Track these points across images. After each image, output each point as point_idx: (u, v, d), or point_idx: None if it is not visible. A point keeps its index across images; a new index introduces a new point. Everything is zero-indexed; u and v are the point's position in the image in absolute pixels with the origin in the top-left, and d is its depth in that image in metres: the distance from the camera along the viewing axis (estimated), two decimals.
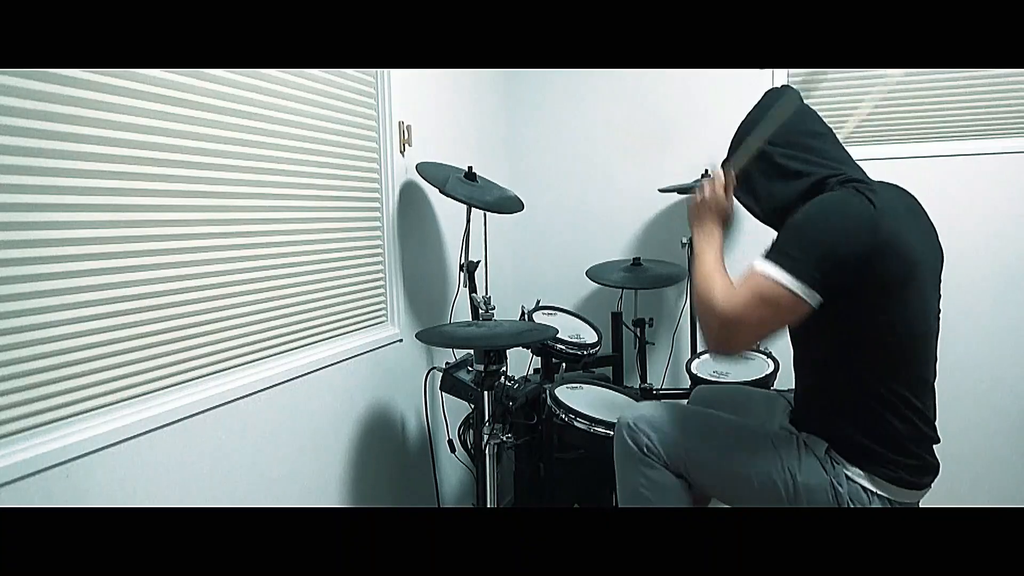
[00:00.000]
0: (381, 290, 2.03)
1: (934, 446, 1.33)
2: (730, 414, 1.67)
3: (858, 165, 1.37)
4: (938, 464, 1.33)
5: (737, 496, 1.41)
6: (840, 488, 1.28)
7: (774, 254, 1.22)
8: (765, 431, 1.44)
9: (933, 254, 1.33)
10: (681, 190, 2.34)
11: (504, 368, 1.69)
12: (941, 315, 1.35)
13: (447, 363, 1.93)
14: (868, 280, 1.20)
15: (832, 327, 1.25)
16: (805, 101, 1.39)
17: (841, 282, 1.18)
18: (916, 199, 1.35)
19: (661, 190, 2.41)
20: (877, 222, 1.20)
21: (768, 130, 1.36)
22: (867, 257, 1.18)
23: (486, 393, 1.63)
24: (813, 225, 1.22)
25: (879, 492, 1.27)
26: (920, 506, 1.35)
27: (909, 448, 1.27)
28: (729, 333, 1.24)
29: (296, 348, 1.68)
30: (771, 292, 1.19)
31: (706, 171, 1.64)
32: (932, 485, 1.34)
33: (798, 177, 1.32)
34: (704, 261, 1.38)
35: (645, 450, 1.42)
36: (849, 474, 1.28)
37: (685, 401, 1.79)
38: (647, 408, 1.50)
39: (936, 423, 1.34)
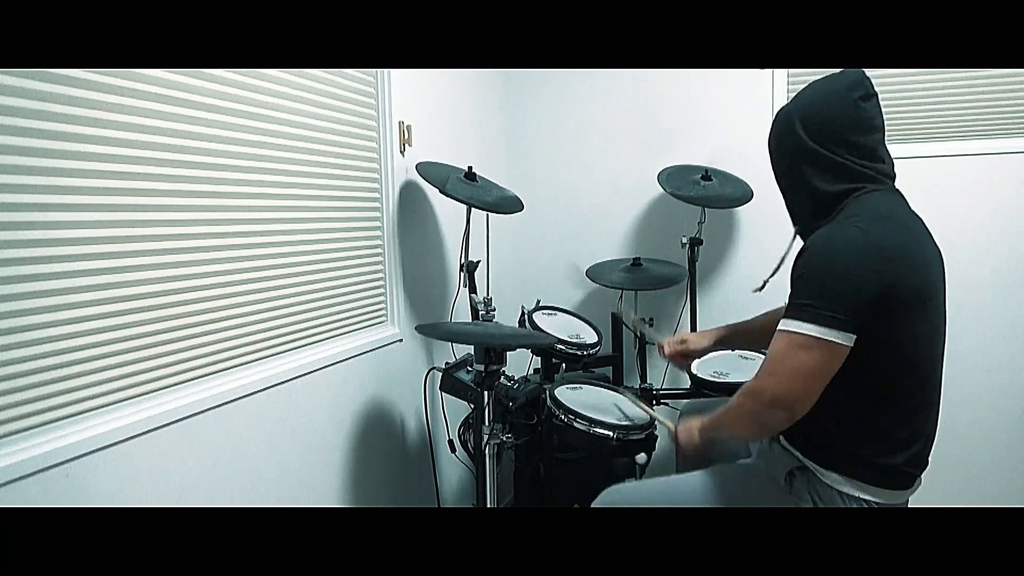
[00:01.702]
0: (381, 290, 2.03)
1: (927, 455, 1.32)
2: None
3: (891, 165, 1.36)
4: (925, 463, 1.32)
5: None
6: (804, 506, 1.28)
7: (790, 311, 1.22)
8: (728, 477, 1.43)
9: (940, 275, 1.32)
10: (680, 196, 2.33)
11: (504, 368, 1.68)
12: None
13: (447, 363, 1.93)
14: (885, 307, 1.19)
15: None
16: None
17: (864, 315, 1.18)
18: (920, 219, 1.34)
19: (661, 179, 2.39)
20: (884, 254, 1.19)
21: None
22: (882, 289, 1.18)
23: (486, 393, 1.63)
24: (820, 273, 1.21)
25: (858, 495, 1.26)
26: (915, 506, 1.34)
27: (901, 457, 1.26)
28: (779, 390, 1.21)
29: (296, 348, 1.68)
30: (801, 342, 1.19)
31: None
32: (926, 480, 1.33)
33: (838, 179, 1.31)
34: (717, 415, 1.38)
35: None
36: (826, 481, 1.27)
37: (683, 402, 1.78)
38: (611, 494, 1.49)
39: (935, 430, 1.33)
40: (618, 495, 1.49)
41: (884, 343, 1.21)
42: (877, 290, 1.18)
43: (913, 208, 1.36)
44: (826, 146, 1.30)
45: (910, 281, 1.22)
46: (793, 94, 1.47)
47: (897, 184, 1.38)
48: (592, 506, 1.50)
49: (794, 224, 1.43)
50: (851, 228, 1.23)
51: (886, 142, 1.37)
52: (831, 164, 1.30)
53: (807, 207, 1.35)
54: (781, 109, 1.41)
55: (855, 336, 1.18)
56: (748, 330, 1.72)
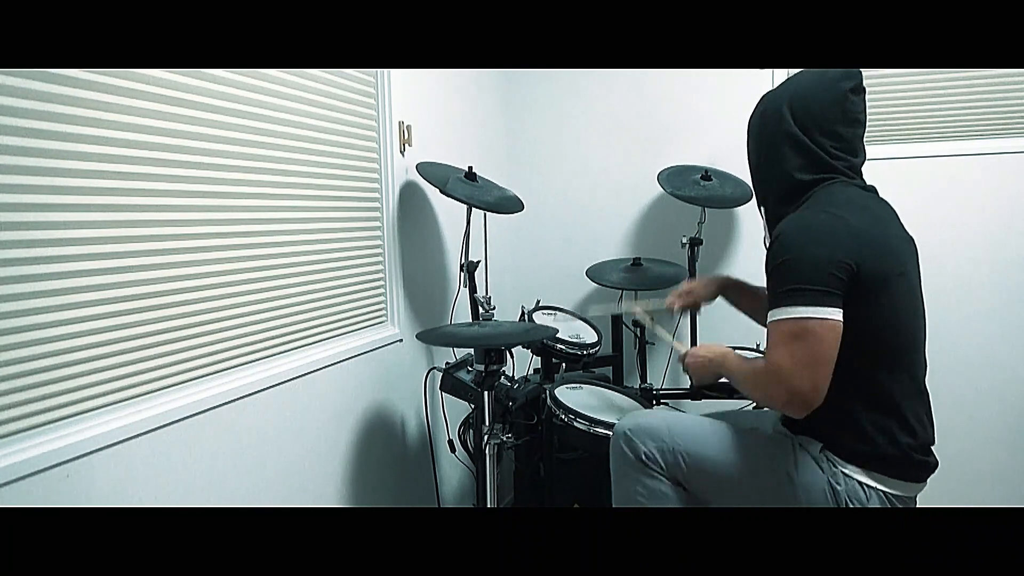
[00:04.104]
0: (381, 290, 2.03)
1: (931, 443, 1.34)
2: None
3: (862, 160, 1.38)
4: (935, 457, 1.33)
5: (735, 501, 1.41)
6: (838, 486, 1.28)
7: (776, 300, 1.24)
8: (760, 434, 1.44)
9: (912, 259, 1.35)
10: (680, 196, 2.33)
11: (504, 368, 1.68)
12: (936, 315, 1.35)
13: (447, 363, 1.93)
14: (859, 287, 1.22)
15: None
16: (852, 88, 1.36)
17: (847, 287, 1.20)
18: (889, 207, 1.36)
19: (661, 179, 2.40)
20: (856, 234, 1.23)
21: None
22: (856, 266, 1.21)
23: (486, 393, 1.63)
24: (797, 256, 1.23)
25: (877, 487, 1.27)
26: (918, 506, 1.35)
27: (903, 443, 1.28)
28: (793, 385, 1.21)
29: (296, 348, 1.68)
30: (796, 328, 1.20)
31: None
32: (929, 480, 1.34)
33: (811, 166, 1.33)
34: (733, 372, 1.40)
35: (644, 458, 1.42)
36: (846, 471, 1.29)
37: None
38: (643, 416, 1.51)
39: (932, 418, 1.35)
40: (646, 418, 1.49)
41: (864, 326, 1.23)
42: (852, 267, 1.21)
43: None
44: (808, 132, 1.33)
45: (880, 261, 1.24)
46: None
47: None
48: (616, 427, 1.50)
49: (760, 204, 1.46)
50: (820, 213, 1.26)
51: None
52: (808, 151, 1.33)
53: (778, 189, 1.38)
54: (768, 92, 1.44)
55: (842, 311, 1.20)
56: (745, 290, 1.75)
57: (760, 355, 2.09)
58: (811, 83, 1.37)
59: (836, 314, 1.19)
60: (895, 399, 1.28)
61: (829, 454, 1.31)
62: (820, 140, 1.33)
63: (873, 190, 1.39)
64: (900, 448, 1.27)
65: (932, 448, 1.34)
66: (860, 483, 1.28)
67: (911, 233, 1.38)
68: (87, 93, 1.14)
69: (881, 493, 1.27)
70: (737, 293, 1.79)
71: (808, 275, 1.20)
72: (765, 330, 1.28)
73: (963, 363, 2.35)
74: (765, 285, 1.74)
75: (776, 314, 1.23)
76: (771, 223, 1.39)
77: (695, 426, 1.48)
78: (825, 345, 1.20)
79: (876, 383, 1.27)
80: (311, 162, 1.69)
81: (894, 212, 1.37)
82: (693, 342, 2.40)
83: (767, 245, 1.36)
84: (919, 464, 1.30)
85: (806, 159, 1.33)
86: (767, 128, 1.39)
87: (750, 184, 2.34)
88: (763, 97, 1.45)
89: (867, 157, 1.41)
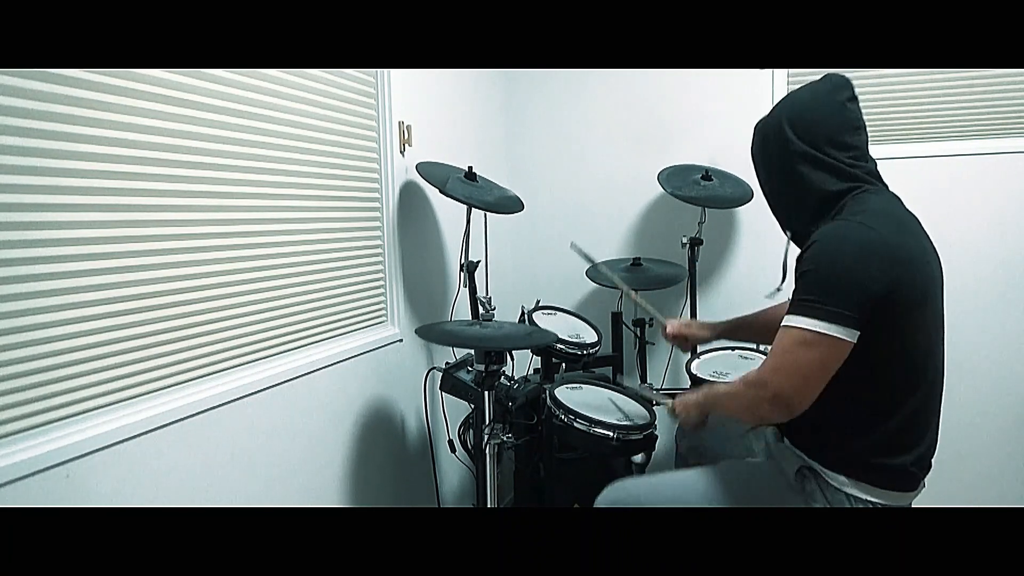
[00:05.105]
0: (381, 290, 2.03)
1: (932, 456, 1.33)
2: (714, 438, 1.66)
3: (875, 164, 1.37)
4: (930, 466, 1.33)
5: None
6: (815, 506, 1.28)
7: (794, 307, 1.22)
8: (735, 472, 1.43)
9: (939, 273, 1.32)
10: (680, 196, 2.33)
11: (504, 368, 1.68)
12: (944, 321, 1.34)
13: (447, 363, 1.93)
14: (889, 308, 1.19)
15: None
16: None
17: (868, 312, 1.18)
18: (916, 218, 1.35)
19: (661, 179, 2.40)
20: (890, 252, 1.20)
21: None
22: (887, 288, 1.18)
23: (486, 393, 1.63)
24: (825, 270, 1.21)
25: (867, 498, 1.26)
26: (917, 507, 1.34)
27: (905, 457, 1.26)
28: (780, 387, 1.20)
29: (296, 348, 1.68)
30: (804, 338, 1.19)
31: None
32: (928, 480, 1.33)
33: (836, 178, 1.31)
34: (720, 395, 1.40)
35: None
36: (833, 484, 1.27)
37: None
38: (616, 490, 1.49)
39: (938, 432, 1.34)
40: (623, 492, 1.49)
41: (887, 342, 1.21)
42: (883, 288, 1.18)
43: (910, 207, 1.36)
44: (818, 146, 1.31)
45: (913, 280, 1.22)
46: None
47: (896, 184, 1.38)
48: (596, 504, 1.49)
49: (785, 228, 1.43)
50: (856, 225, 1.23)
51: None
52: (826, 164, 1.31)
53: (807, 208, 1.34)
54: (762, 119, 1.42)
55: (859, 333, 1.18)
56: (750, 324, 1.75)
57: (760, 355, 2.10)
58: (807, 99, 1.35)
59: (848, 336, 1.17)
60: (908, 415, 1.26)
61: (813, 465, 1.30)
62: (832, 152, 1.30)
63: (898, 199, 1.36)
64: (901, 461, 1.26)
65: (931, 460, 1.33)
66: (848, 495, 1.26)
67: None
68: (87, 93, 1.14)
69: (868, 503, 1.26)
70: (738, 332, 1.79)
71: (831, 292, 1.18)
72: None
73: (962, 362, 2.35)
74: (760, 310, 1.74)
75: (791, 320, 1.22)
76: (801, 241, 1.35)
77: (667, 485, 1.46)
78: (826, 361, 1.19)
79: (891, 399, 1.25)
80: (311, 162, 1.69)
81: (920, 223, 1.34)
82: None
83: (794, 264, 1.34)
84: (914, 476, 1.29)
85: (826, 173, 1.31)
86: (773, 153, 1.37)
87: (750, 185, 2.39)
88: (757, 125, 1.43)
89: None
